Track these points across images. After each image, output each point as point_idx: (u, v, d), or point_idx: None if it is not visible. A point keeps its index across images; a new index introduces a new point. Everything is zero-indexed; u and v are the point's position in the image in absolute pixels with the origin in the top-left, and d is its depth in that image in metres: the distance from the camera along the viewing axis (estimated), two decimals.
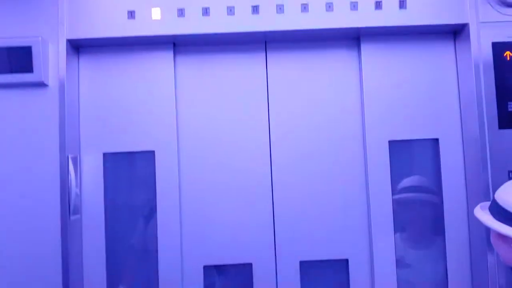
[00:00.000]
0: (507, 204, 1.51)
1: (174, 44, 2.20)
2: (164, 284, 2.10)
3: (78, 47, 2.18)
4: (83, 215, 2.13)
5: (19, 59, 2.01)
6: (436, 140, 2.18)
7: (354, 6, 2.09)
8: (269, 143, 2.19)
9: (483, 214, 1.59)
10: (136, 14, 2.09)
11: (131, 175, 2.22)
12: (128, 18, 2.09)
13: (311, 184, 2.17)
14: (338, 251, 2.16)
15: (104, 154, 2.17)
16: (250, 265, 2.14)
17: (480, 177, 2.03)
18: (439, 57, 2.20)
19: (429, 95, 2.19)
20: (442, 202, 2.16)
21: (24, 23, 2.05)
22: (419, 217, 2.23)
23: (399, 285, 2.13)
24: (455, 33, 2.20)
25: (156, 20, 2.09)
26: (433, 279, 2.18)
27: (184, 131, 2.19)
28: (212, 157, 2.18)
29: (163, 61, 2.19)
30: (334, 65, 2.23)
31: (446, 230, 2.15)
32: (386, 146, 2.16)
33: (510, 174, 2.01)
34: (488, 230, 1.67)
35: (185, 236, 2.14)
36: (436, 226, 2.18)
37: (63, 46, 2.06)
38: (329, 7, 2.09)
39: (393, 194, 2.16)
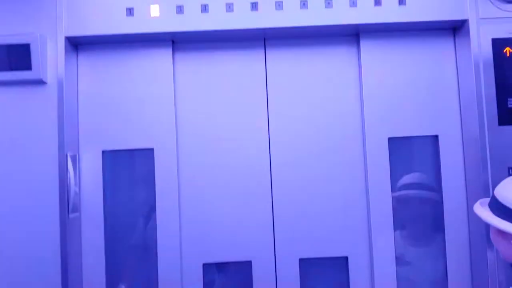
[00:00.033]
0: (506, 200, 1.50)
1: (173, 41, 2.19)
2: (163, 281, 2.10)
3: (76, 45, 2.18)
4: (82, 213, 2.13)
5: (17, 56, 2.01)
6: (436, 137, 2.18)
7: (353, 3, 2.08)
8: (268, 140, 2.19)
9: (482, 210, 1.58)
10: (135, 11, 2.08)
11: (130, 173, 2.21)
12: (127, 15, 2.08)
13: (311, 181, 2.17)
14: (338, 248, 2.15)
15: (103, 152, 2.17)
16: (249, 262, 2.14)
17: (480, 173, 2.02)
18: (438, 54, 2.19)
19: (429, 92, 2.18)
20: (441, 199, 2.16)
21: (22, 20, 2.05)
22: (419, 214, 2.22)
23: (398, 283, 2.12)
24: (455, 29, 2.19)
25: (155, 17, 2.08)
26: (433, 277, 2.18)
27: (183, 128, 2.18)
28: (211, 154, 2.17)
29: (162, 58, 2.18)
30: (333, 62, 2.22)
31: (446, 227, 2.14)
32: (385, 143, 2.16)
33: (510, 170, 2.00)
34: (488, 226, 1.66)
35: (184, 234, 2.14)
36: (435, 223, 2.18)
37: (61, 44, 2.06)
38: (328, 3, 2.08)
39: (392, 191, 2.16)
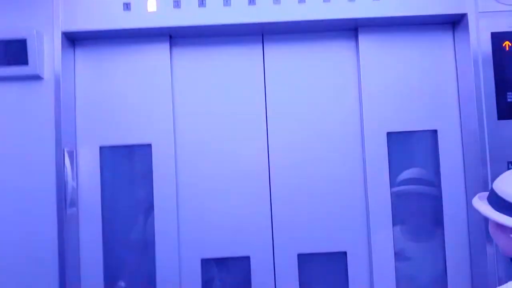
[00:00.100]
0: (505, 194, 1.50)
1: (170, 36, 2.18)
2: (161, 277, 2.09)
3: (73, 40, 2.17)
4: (80, 208, 2.12)
5: (14, 52, 2.00)
6: (435, 131, 2.17)
7: None
8: (267, 135, 2.18)
9: (481, 204, 1.58)
10: (132, 6, 2.08)
11: (128, 168, 2.20)
12: (124, 10, 2.07)
13: (309, 176, 2.16)
14: (336, 243, 2.15)
15: (101, 148, 2.16)
16: (248, 258, 2.13)
17: (479, 168, 2.01)
18: (437, 48, 2.18)
19: (428, 86, 2.17)
20: (441, 194, 2.15)
21: (19, 15, 2.04)
22: (418, 209, 2.21)
23: (397, 278, 2.12)
24: (454, 23, 2.18)
25: (152, 12, 2.07)
26: (432, 272, 2.17)
27: (181, 123, 2.18)
28: (209, 149, 2.17)
29: (159, 53, 2.18)
30: (331, 56, 2.21)
31: (445, 222, 2.14)
32: (384, 137, 2.15)
33: (510, 165, 1.99)
34: (487, 221, 1.65)
35: (182, 229, 2.13)
36: (435, 218, 2.17)
37: (58, 39, 2.05)
38: None
39: (391, 186, 2.15)
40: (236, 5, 2.07)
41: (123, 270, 2.16)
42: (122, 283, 2.14)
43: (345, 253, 2.15)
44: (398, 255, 2.14)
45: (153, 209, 2.12)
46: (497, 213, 1.50)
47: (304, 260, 2.14)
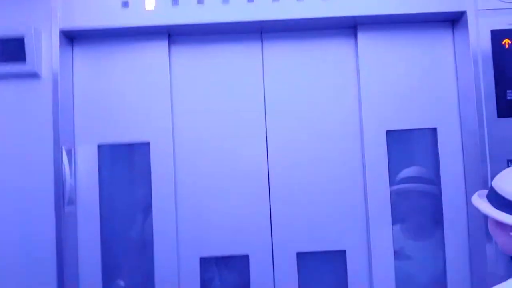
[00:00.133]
0: (504, 191, 1.50)
1: (169, 34, 2.18)
2: (160, 275, 2.09)
3: (72, 38, 2.16)
4: (78, 206, 2.11)
5: (11, 49, 1.99)
6: (434, 129, 2.16)
7: None
8: (266, 134, 2.17)
9: (481, 202, 1.57)
10: (130, 4, 2.07)
11: (126, 166, 2.20)
12: (122, 7, 2.06)
13: (308, 174, 2.15)
14: (336, 242, 2.14)
15: (99, 146, 2.15)
16: (247, 256, 2.12)
17: (478, 166, 2.01)
18: (437, 46, 2.17)
19: (427, 84, 2.16)
20: (440, 192, 2.14)
21: (16, 13, 2.03)
22: (418, 207, 2.21)
23: (397, 276, 2.11)
24: (453, 21, 2.17)
25: (150, 10, 2.07)
26: (432, 270, 2.16)
27: (179, 122, 2.17)
28: (207, 147, 2.16)
29: (157, 51, 2.17)
30: (331, 54, 2.20)
31: (444, 221, 2.13)
32: (383, 136, 2.14)
33: (509, 163, 1.99)
34: (486, 219, 1.65)
35: (181, 228, 2.13)
36: (434, 216, 2.16)
37: (56, 37, 2.04)
38: None
39: (391, 184, 2.14)
40: (235, 3, 2.06)
41: (121, 267, 2.16)
42: (120, 281, 2.14)
43: (344, 251, 2.14)
44: (398, 254, 2.13)
45: (152, 207, 2.11)
46: (497, 210, 1.50)
47: (303, 258, 2.13)
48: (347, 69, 2.20)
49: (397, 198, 2.16)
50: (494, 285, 1.49)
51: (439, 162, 2.15)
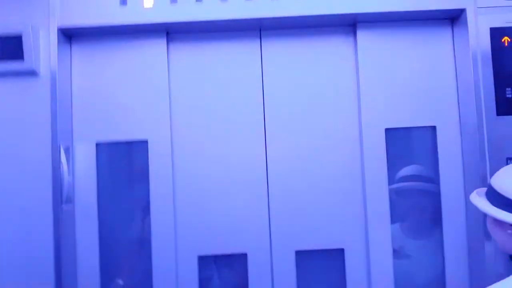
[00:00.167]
0: (503, 189, 1.49)
1: (167, 32, 2.17)
2: (158, 274, 2.08)
3: (70, 36, 2.16)
4: (76, 205, 2.11)
5: (9, 47, 1.99)
6: (434, 127, 2.15)
7: None
8: (264, 132, 2.17)
9: (479, 200, 1.57)
10: (128, 2, 2.06)
11: (124, 164, 2.20)
12: (120, 5, 2.06)
13: (307, 173, 2.14)
14: (334, 240, 2.13)
15: (97, 144, 2.15)
16: (245, 255, 2.12)
17: (478, 164, 2.00)
18: (436, 43, 2.16)
19: (427, 82, 2.15)
20: (439, 191, 2.13)
21: (14, 10, 2.03)
22: (416, 206, 2.20)
23: (395, 275, 2.10)
24: (453, 19, 2.16)
25: (149, 8, 2.06)
26: (430, 269, 2.16)
27: (178, 120, 2.16)
28: (206, 146, 2.15)
29: (156, 49, 2.16)
30: (329, 52, 2.19)
31: (443, 219, 2.12)
32: (382, 134, 2.13)
33: (509, 161, 1.98)
34: (485, 217, 1.64)
35: (179, 226, 2.12)
36: (433, 215, 2.16)
37: (54, 34, 2.04)
38: None
39: (390, 183, 2.14)
40: (233, 0, 2.06)
41: (119, 266, 2.15)
42: (118, 280, 2.13)
43: (342, 250, 2.13)
44: (396, 252, 2.13)
45: (150, 206, 2.11)
46: (495, 208, 1.50)
47: (302, 257, 2.13)
48: (346, 66, 2.19)
49: (396, 197, 2.15)
50: (493, 283, 1.48)
51: (438, 160, 2.14)
